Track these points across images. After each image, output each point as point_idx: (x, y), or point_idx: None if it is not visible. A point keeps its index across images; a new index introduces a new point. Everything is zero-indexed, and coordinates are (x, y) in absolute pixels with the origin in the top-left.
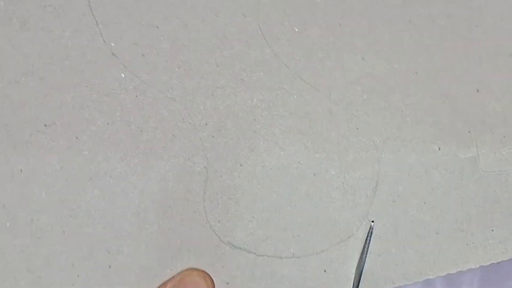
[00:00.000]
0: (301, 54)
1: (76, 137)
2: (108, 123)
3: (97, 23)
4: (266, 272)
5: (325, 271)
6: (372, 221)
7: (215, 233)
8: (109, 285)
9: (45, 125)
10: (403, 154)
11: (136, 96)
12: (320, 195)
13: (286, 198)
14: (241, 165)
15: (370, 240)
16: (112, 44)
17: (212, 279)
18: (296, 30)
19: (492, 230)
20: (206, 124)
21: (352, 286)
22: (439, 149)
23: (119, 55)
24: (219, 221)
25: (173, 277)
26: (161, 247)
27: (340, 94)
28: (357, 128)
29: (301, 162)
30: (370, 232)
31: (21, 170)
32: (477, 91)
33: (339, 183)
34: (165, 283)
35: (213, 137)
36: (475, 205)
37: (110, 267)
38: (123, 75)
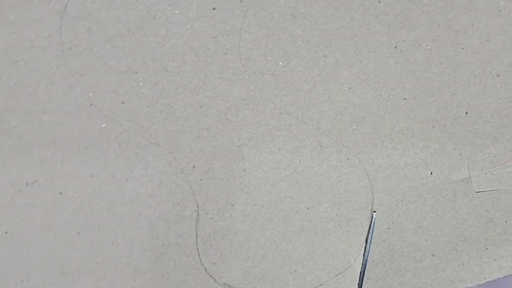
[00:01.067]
0: (287, 88)
1: (60, 193)
2: (92, 175)
3: (72, 74)
4: None
5: None
6: (374, 211)
7: (210, 276)
8: None
9: (27, 183)
10: (396, 181)
11: (119, 145)
12: (315, 229)
13: (280, 234)
14: (232, 205)
15: (373, 231)
16: (90, 94)
17: None
18: (280, 64)
19: (487, 249)
20: (194, 167)
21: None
22: (431, 173)
23: (98, 105)
24: (213, 263)
25: None
26: None
27: (329, 125)
28: (348, 159)
29: (293, 197)
30: (372, 223)
31: (6, 232)
32: (466, 113)
33: (333, 214)
34: None
35: (201, 179)
36: (469, 226)
37: None
38: (103, 125)
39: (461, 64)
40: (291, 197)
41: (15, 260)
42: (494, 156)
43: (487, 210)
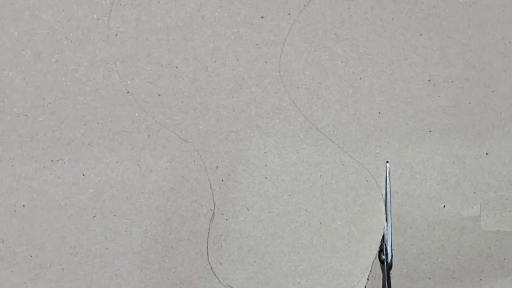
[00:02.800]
0: (319, 104)
1: (83, 174)
2: (117, 162)
3: (114, 60)
4: None
5: None
6: (387, 162)
7: (215, 275)
8: None
9: (52, 160)
10: (408, 208)
11: (148, 136)
12: (324, 244)
13: (290, 245)
14: (247, 209)
15: (390, 180)
16: (128, 82)
17: None
18: (316, 79)
19: (481, 279)
20: (217, 167)
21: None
22: (444, 206)
23: (134, 94)
24: (220, 263)
25: None
26: (160, 287)
27: (353, 146)
28: (367, 181)
29: (308, 210)
30: (388, 173)
31: (23, 206)
32: (486, 154)
33: (344, 233)
34: None
35: (222, 180)
36: (469, 258)
37: None
38: (136, 114)
39: (489, 106)
40: (306, 209)
41: (28, 235)
42: (506, 199)
43: (489, 247)
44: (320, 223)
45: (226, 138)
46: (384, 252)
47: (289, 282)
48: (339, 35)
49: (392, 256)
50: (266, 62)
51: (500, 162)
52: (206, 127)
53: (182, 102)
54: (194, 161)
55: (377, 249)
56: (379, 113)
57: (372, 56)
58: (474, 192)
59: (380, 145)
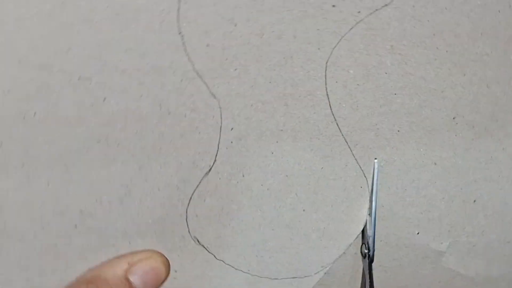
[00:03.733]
0: (348, 103)
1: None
2: (141, 96)
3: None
4: (218, 277)
5: None
6: (375, 158)
7: (187, 224)
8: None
9: None
10: (388, 228)
11: (181, 80)
12: (299, 231)
13: (267, 220)
14: (243, 176)
15: (377, 177)
16: (184, 25)
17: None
18: (356, 80)
19: None
20: (232, 129)
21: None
22: (418, 233)
23: (185, 36)
24: (196, 216)
25: (130, 256)
26: (132, 221)
27: (363, 151)
28: (361, 187)
29: (297, 194)
30: (375, 169)
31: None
32: (474, 201)
33: (321, 227)
34: (119, 259)
35: (231, 142)
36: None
37: (76, 226)
38: (177, 56)
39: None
40: (296, 194)
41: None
42: (473, 246)
43: (441, 282)
44: (304, 210)
45: (251, 106)
46: (366, 246)
47: (252, 253)
48: (394, 48)
49: (374, 250)
50: (319, 48)
51: (482, 213)
52: (238, 90)
53: (226, 59)
54: (213, 117)
55: (346, 248)
56: (398, 131)
57: (414, 78)
58: (449, 230)
59: (387, 160)
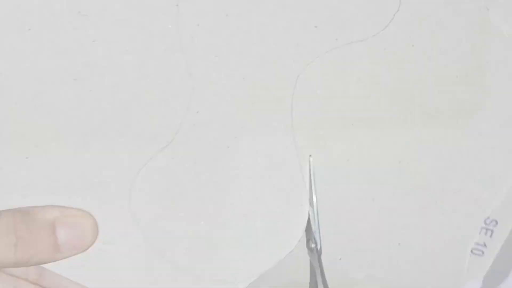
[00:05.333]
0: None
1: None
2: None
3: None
4: (144, 260)
5: None
6: (310, 155)
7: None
8: None
9: None
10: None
11: (165, 49)
12: (255, 219)
13: (207, 214)
14: (194, 163)
15: (313, 173)
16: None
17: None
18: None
19: None
20: (197, 112)
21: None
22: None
23: None
24: (140, 189)
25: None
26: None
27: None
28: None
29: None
30: (310, 166)
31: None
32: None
33: (262, 211)
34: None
35: (194, 125)
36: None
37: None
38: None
39: None
40: (240, 193)
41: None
42: None
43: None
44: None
45: (221, 95)
46: (313, 240)
47: (184, 245)
48: (361, 81)
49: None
50: (294, 61)
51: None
52: (212, 77)
53: (211, 43)
54: (184, 95)
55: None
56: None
57: (374, 111)
58: None
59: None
